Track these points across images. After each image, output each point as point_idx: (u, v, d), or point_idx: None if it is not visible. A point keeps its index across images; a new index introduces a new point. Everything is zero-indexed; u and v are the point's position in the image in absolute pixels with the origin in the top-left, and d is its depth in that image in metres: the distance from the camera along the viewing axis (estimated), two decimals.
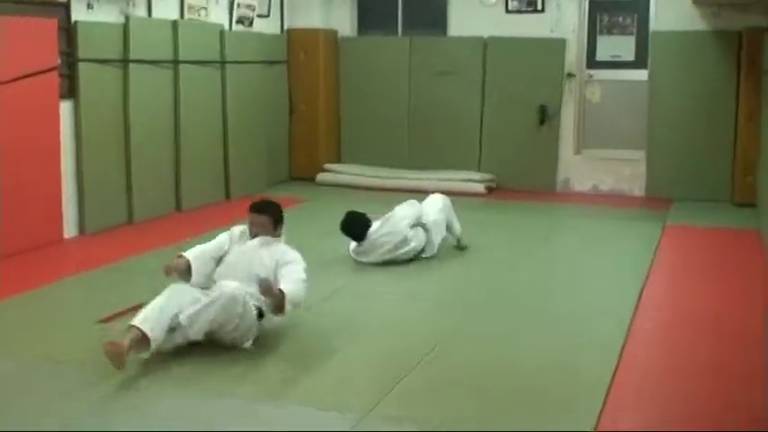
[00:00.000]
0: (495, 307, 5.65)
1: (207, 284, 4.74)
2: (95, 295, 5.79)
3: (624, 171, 10.08)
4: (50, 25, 6.95)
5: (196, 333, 4.46)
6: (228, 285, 4.57)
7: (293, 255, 4.84)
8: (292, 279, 4.65)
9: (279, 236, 5.00)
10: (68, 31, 7.25)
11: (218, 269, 4.85)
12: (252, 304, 4.55)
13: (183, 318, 4.42)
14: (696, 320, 5.44)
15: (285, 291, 4.53)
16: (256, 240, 4.91)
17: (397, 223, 6.61)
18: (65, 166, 7.28)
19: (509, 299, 5.86)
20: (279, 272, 4.71)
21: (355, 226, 6.63)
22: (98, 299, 5.64)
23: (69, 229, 7.36)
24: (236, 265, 4.81)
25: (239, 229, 5.05)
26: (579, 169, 10.27)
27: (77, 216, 7.46)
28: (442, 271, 6.60)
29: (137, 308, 5.19)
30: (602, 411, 3.92)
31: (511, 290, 6.08)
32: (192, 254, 4.85)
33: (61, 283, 6.05)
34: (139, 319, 4.36)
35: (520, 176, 10.24)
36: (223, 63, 9.19)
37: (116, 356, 4.17)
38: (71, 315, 5.37)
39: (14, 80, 6.67)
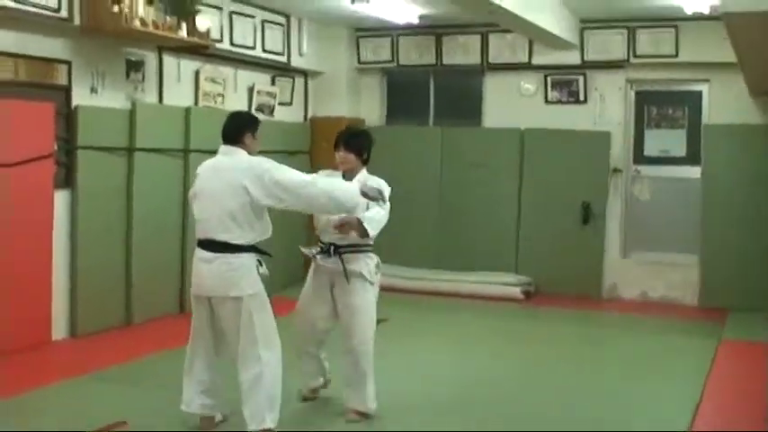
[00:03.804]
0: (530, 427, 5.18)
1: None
2: (74, 408, 5.36)
3: (675, 277, 9.56)
4: (47, 109, 6.72)
5: None
6: None
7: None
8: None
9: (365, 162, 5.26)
10: (68, 116, 7.02)
11: None
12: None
13: None
14: None
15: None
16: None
17: None
18: (57, 261, 6.97)
19: (545, 420, 5.36)
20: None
21: None
22: (77, 413, 5.23)
23: (58, 330, 7.01)
24: None
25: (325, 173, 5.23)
26: (627, 274, 9.78)
27: (68, 316, 7.12)
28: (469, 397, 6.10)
29: (117, 426, 4.83)
30: None
31: (547, 408, 5.60)
32: None
33: (37, 392, 5.62)
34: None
35: (561, 280, 9.76)
36: None
37: None
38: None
39: (5, 166, 6.41)
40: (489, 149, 10.13)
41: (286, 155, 9.81)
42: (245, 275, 4.55)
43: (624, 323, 8.68)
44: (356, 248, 5.14)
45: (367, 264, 5.16)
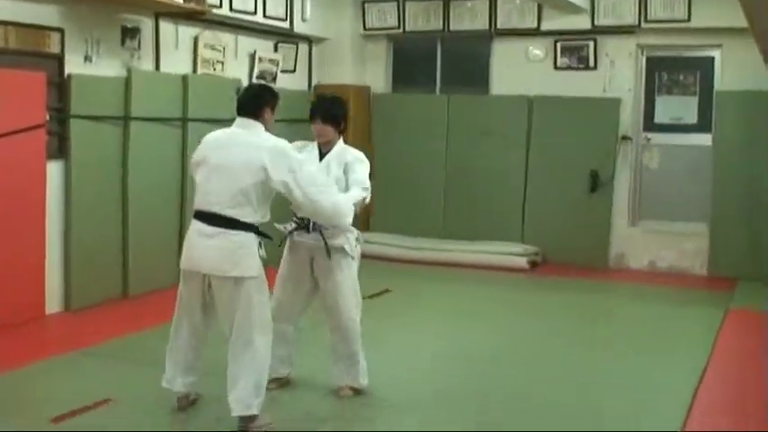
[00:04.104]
0: (532, 405, 5.09)
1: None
2: (60, 385, 5.30)
3: (685, 246, 9.40)
4: (38, 78, 6.60)
5: None
6: None
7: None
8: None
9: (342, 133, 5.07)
10: (61, 86, 6.90)
11: None
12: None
13: None
14: (759, 426, 4.78)
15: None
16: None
17: None
18: (51, 233, 6.88)
19: (548, 394, 5.28)
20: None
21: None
22: (62, 390, 5.16)
23: (52, 304, 6.92)
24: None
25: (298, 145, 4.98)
26: (635, 243, 9.62)
27: (63, 289, 7.03)
28: (473, 361, 6.00)
29: (99, 405, 4.77)
30: None
31: (551, 384, 5.50)
32: None
33: (27, 369, 5.55)
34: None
35: (568, 250, 9.62)
36: None
37: None
38: (25, 409, 4.88)
39: None
40: (497, 117, 9.96)
41: (289, 123, 9.68)
42: (249, 255, 4.36)
43: (631, 293, 8.56)
44: None
45: (348, 238, 4.97)
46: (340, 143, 5.06)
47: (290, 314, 5.08)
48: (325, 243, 4.87)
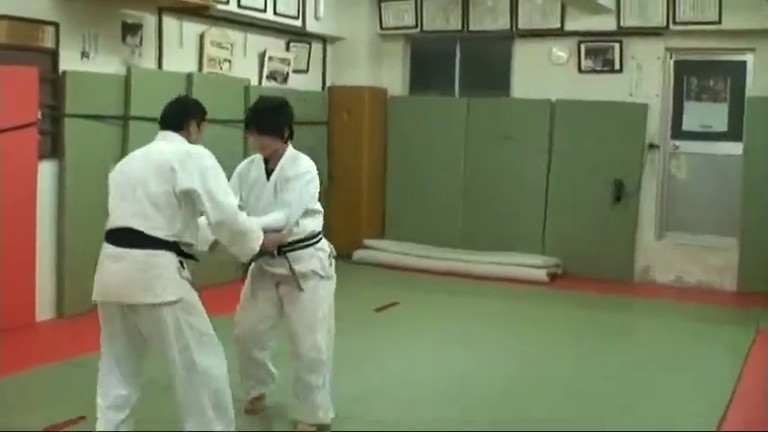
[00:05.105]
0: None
1: None
2: (36, 399, 5.03)
3: (713, 261, 8.99)
4: (30, 74, 6.35)
5: None
6: None
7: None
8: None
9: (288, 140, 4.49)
10: (55, 82, 6.65)
11: None
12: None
13: None
14: None
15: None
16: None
17: None
18: (42, 236, 6.63)
19: (567, 416, 4.97)
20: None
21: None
22: (35, 405, 4.89)
23: (44, 311, 6.68)
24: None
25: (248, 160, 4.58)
26: (661, 257, 9.23)
27: (55, 295, 6.79)
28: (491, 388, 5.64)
29: (71, 423, 4.50)
30: None
31: (572, 407, 5.19)
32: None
33: (12, 377, 5.29)
34: None
35: (590, 262, 9.24)
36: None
37: None
38: (10, 422, 4.63)
39: None
40: (518, 122, 9.62)
41: (302, 126, 9.39)
42: (162, 277, 3.76)
43: (656, 309, 8.17)
44: (303, 244, 4.40)
45: (320, 258, 4.44)
46: (288, 152, 4.44)
47: (256, 337, 4.59)
48: (293, 272, 4.35)
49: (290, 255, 4.35)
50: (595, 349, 6.61)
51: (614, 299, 8.46)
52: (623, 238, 9.21)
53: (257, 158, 4.51)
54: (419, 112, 10.11)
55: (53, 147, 6.72)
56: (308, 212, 4.37)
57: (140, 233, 3.77)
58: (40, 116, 6.48)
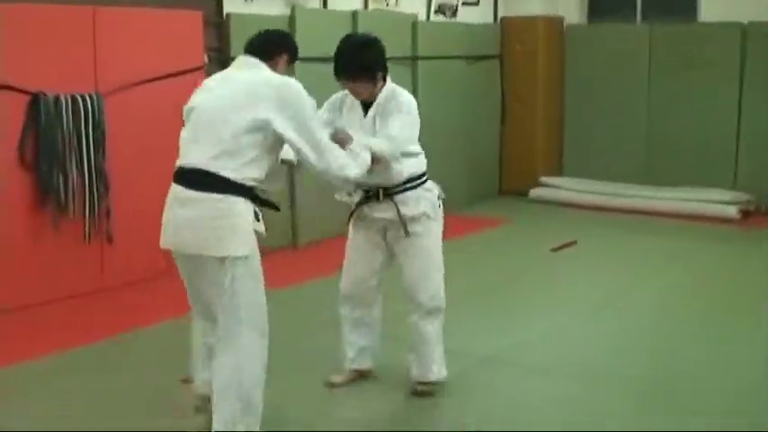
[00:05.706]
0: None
1: None
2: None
3: None
4: (194, 18, 6.39)
5: None
6: None
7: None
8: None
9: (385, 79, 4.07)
10: (219, 26, 6.67)
11: None
12: None
13: None
14: None
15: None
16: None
17: None
18: None
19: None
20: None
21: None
22: None
23: None
24: None
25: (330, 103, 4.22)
26: None
27: None
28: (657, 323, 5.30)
29: None
30: None
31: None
32: None
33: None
34: None
35: None
36: (414, 59, 8.32)
37: None
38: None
39: (151, 80, 6.16)
40: (705, 48, 8.95)
41: (472, 60, 9.14)
42: (235, 228, 3.36)
43: None
44: (409, 185, 4.06)
45: (428, 199, 4.09)
46: (387, 88, 4.05)
47: (366, 293, 4.28)
48: (401, 217, 4.04)
49: (396, 197, 4.05)
50: None
51: None
52: None
53: (348, 97, 4.16)
54: (598, 42, 9.62)
55: None
56: (406, 154, 4.02)
57: (213, 174, 3.34)
58: (206, 59, 6.52)
